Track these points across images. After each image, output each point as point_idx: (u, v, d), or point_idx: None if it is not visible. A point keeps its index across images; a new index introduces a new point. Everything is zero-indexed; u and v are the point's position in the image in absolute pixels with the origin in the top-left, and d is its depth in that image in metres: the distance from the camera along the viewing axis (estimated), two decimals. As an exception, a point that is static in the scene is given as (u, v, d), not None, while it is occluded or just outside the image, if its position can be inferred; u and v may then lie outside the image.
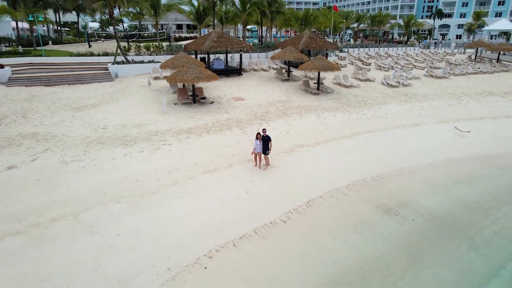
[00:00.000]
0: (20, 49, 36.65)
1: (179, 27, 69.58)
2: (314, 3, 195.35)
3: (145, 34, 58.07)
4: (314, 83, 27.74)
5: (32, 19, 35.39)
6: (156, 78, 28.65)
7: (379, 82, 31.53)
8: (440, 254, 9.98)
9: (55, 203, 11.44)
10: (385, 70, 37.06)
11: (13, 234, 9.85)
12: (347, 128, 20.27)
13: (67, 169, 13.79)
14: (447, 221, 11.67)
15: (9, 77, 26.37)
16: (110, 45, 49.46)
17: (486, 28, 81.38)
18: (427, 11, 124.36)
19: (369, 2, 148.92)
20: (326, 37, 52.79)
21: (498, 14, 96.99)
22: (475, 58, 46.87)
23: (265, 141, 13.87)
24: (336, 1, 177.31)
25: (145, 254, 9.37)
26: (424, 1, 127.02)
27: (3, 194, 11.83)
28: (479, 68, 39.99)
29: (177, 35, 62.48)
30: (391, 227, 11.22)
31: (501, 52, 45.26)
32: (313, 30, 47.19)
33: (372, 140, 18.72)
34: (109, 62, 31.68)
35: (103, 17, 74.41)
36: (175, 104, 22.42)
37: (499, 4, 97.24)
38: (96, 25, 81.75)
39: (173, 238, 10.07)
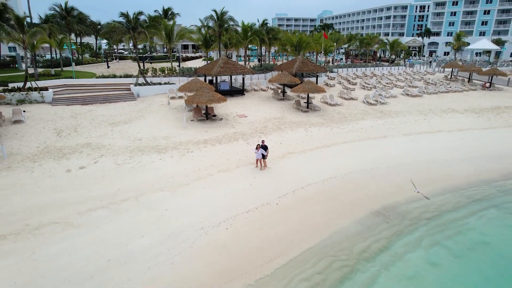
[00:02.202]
0: (52, 71, 42.39)
1: (185, 47, 75.76)
2: (312, 20, 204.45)
3: (156, 55, 64.04)
4: (304, 102, 33.36)
5: (66, 47, 41.18)
6: (173, 98, 34.25)
7: (361, 101, 37.20)
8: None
9: (120, 191, 16.82)
10: (368, 89, 42.79)
11: (100, 208, 15.20)
12: (328, 139, 25.75)
13: (121, 169, 19.21)
14: (393, 206, 17.05)
15: (52, 98, 31.91)
16: (126, 66, 55.54)
17: (468, 47, 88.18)
18: (417, 29, 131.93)
19: (363, 20, 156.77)
20: (318, 55, 58.72)
21: (482, 33, 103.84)
22: (450, 77, 52.75)
23: (263, 149, 19.32)
24: (332, 19, 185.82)
25: (186, 221, 14.69)
26: (414, 20, 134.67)
27: (85, 184, 17.22)
28: (450, 87, 45.76)
29: (184, 55, 68.57)
30: (349, 199, 16.58)
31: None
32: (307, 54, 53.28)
33: (346, 149, 24.18)
34: (131, 84, 37.38)
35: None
36: (191, 120, 27.96)
37: (482, 24, 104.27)
38: (104, 43, 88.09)
39: (202, 212, 15.40)
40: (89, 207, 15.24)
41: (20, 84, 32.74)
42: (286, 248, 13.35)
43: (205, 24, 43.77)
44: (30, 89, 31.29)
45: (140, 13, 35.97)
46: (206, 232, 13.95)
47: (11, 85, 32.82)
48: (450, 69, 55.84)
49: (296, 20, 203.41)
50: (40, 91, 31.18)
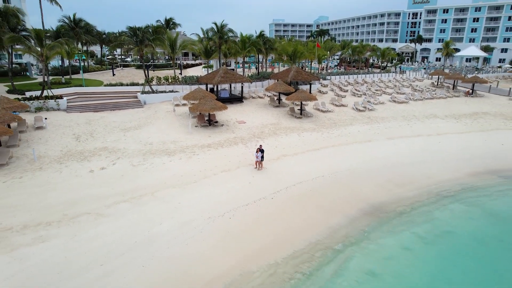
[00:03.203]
0: (63, 79, 45.31)
1: (186, 54, 78.80)
2: (308, 25, 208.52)
3: (159, 63, 67.03)
4: (298, 109, 36.42)
5: (78, 57, 44.08)
6: (177, 105, 37.19)
7: (351, 107, 40.32)
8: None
9: (138, 187, 19.73)
10: (358, 96, 45.94)
11: (123, 202, 18.10)
12: (318, 143, 28.77)
13: (137, 169, 22.13)
14: (374, 200, 20.04)
15: (67, 106, 34.78)
16: (130, 73, 58.45)
17: (458, 54, 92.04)
18: (410, 35, 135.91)
19: (358, 26, 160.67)
20: (313, 63, 61.92)
21: (472, 40, 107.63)
22: (437, 84, 56.06)
23: (261, 152, 22.30)
24: (328, 24, 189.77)
25: (196, 211, 17.60)
26: (407, 26, 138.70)
27: (107, 183, 20.13)
28: (436, 93, 49.02)
29: (184, 62, 71.64)
30: (334, 194, 19.54)
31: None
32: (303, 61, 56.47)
33: (334, 152, 27.20)
34: (137, 91, 40.31)
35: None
36: (196, 126, 30.92)
37: (472, 31, 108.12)
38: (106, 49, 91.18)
39: (209, 205, 18.30)
40: (114, 201, 18.14)
41: (35, 92, 35.68)
42: (279, 232, 16.29)
43: (206, 36, 46.78)
44: (46, 97, 34.16)
45: (147, 27, 39.00)
46: (213, 221, 16.87)
47: (28, 94, 35.76)
48: (437, 76, 59.13)
49: (293, 25, 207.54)
50: (56, 100, 34.04)
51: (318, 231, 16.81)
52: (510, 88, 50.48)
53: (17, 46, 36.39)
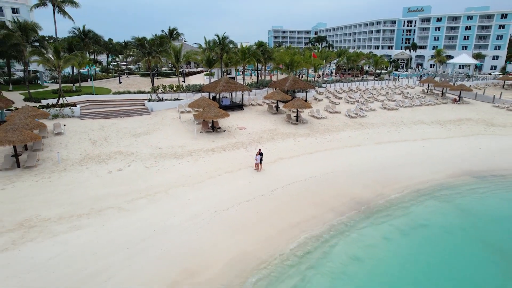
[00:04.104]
0: (74, 87, 48.21)
1: (188, 62, 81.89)
2: (306, 32, 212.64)
3: (162, 71, 70.08)
4: (294, 116, 39.32)
5: (88, 67, 47.07)
6: (182, 112, 40.06)
7: (344, 114, 43.25)
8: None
9: (152, 186, 22.52)
10: (351, 103, 48.90)
11: (140, 198, 20.89)
12: (312, 147, 31.62)
13: (150, 171, 24.94)
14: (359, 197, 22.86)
15: (80, 113, 37.63)
16: (135, 81, 61.48)
17: (450, 61, 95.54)
18: (406, 43, 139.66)
19: (355, 33, 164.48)
20: (309, 71, 65.00)
21: (465, 47, 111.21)
22: (427, 92, 59.14)
23: (260, 155, 25.15)
24: (326, 31, 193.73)
25: (203, 206, 20.38)
26: (403, 34, 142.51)
27: (125, 182, 22.93)
28: (425, 100, 52.04)
29: (187, 70, 74.71)
30: (324, 192, 22.35)
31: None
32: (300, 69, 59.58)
33: (326, 155, 30.05)
34: (144, 99, 43.20)
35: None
36: (200, 132, 33.78)
37: (464, 39, 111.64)
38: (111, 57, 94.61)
39: (214, 201, 21.09)
40: (132, 197, 20.93)
41: (50, 100, 38.57)
42: (276, 223, 19.08)
43: (208, 46, 49.86)
44: (62, 105, 37.02)
45: (153, 40, 42.00)
46: (218, 214, 19.65)
47: (44, 102, 38.64)
48: (428, 84, 62.20)
49: (291, 32, 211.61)
50: (71, 107, 36.89)
51: (310, 223, 19.56)
52: (494, 96, 53.54)
53: (34, 58, 39.28)
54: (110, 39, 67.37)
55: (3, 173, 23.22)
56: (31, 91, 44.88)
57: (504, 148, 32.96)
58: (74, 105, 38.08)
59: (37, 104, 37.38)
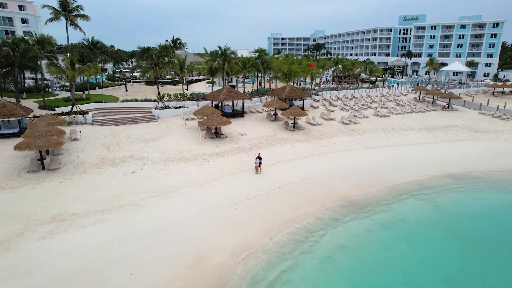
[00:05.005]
0: (84, 95, 51.16)
1: (190, 70, 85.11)
2: (305, 39, 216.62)
3: (166, 79, 73.17)
4: (291, 123, 42.23)
5: (98, 77, 50.05)
6: (187, 119, 42.96)
7: (338, 121, 46.15)
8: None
9: (164, 186, 25.33)
10: (345, 111, 51.82)
11: (154, 197, 23.69)
12: (307, 152, 34.47)
13: (161, 173, 27.76)
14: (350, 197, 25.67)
15: (92, 120, 40.50)
16: (140, 89, 64.49)
17: (443, 68, 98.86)
18: (402, 50, 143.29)
19: (352, 41, 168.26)
20: (306, 79, 68.02)
21: (458, 55, 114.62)
22: (419, 99, 62.12)
23: (260, 159, 28.01)
24: (324, 38, 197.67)
25: (211, 203, 23.16)
26: (399, 42, 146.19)
27: (138, 183, 25.73)
28: (416, 108, 54.98)
29: (189, 78, 77.83)
30: (317, 192, 25.14)
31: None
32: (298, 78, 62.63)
33: (320, 159, 32.87)
34: (151, 107, 46.10)
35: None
36: (204, 138, 36.65)
37: (458, 47, 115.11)
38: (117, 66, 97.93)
39: (219, 199, 23.87)
40: (146, 196, 23.74)
41: (63, 108, 41.49)
42: (273, 218, 21.86)
43: (210, 57, 52.95)
44: (75, 112, 39.92)
45: (159, 51, 45.03)
46: (223, 210, 22.44)
47: (58, 109, 41.53)
48: (419, 91, 65.21)
49: (290, 39, 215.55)
50: (84, 115, 39.78)
51: (303, 217, 22.35)
52: (481, 103, 56.53)
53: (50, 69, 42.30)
54: (118, 49, 70.50)
55: (30, 175, 26.05)
56: (47, 98, 47.93)
57: (483, 152, 35.84)
58: (86, 112, 40.96)
59: (52, 112, 40.27)
